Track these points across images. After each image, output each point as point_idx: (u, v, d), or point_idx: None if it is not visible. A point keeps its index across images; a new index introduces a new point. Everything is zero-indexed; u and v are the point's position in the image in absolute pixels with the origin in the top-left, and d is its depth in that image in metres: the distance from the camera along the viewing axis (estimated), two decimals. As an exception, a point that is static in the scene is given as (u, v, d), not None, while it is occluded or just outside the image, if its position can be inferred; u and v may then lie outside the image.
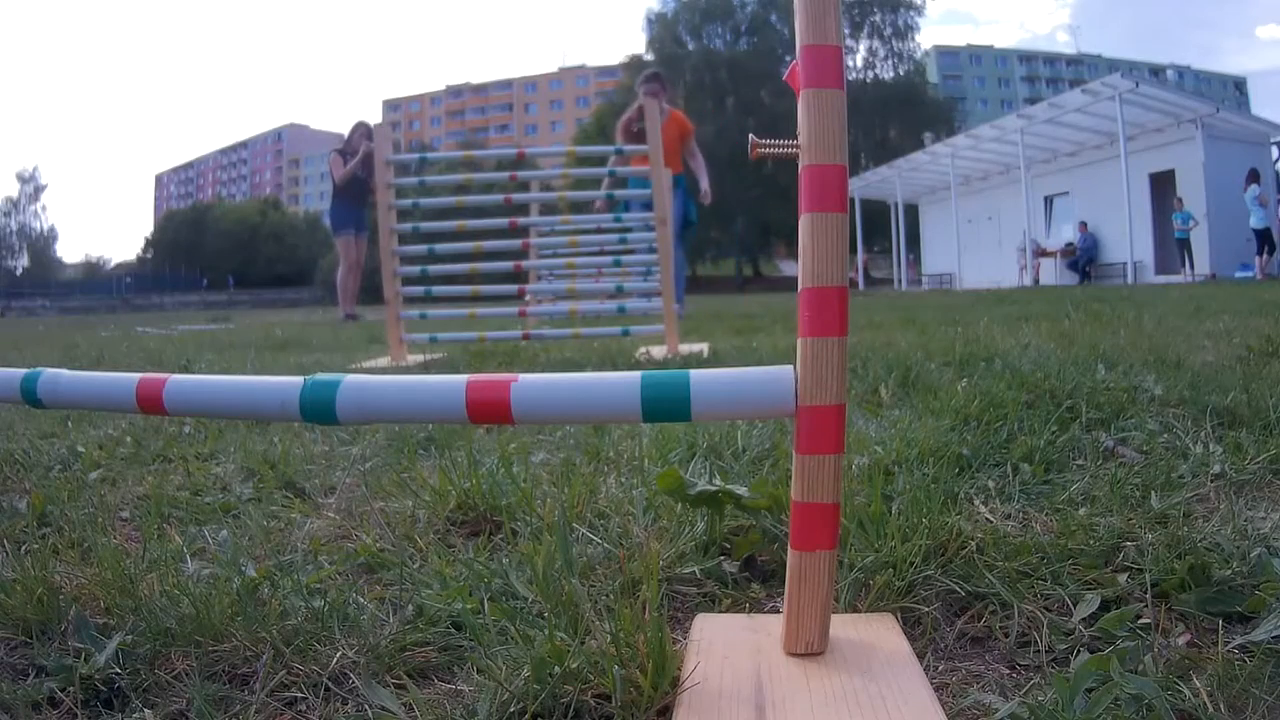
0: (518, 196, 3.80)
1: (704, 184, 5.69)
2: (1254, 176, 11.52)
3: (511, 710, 0.54)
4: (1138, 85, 12.69)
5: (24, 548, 0.86)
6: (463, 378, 0.58)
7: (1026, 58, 60.34)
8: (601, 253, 4.49)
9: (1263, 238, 11.48)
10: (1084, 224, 15.33)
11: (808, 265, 0.54)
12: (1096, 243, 15.08)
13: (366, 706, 0.57)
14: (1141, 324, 2.95)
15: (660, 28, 41.15)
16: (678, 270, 5.18)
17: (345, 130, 7.48)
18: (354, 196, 7.38)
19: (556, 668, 0.56)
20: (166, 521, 0.99)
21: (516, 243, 4.16)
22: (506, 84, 73.01)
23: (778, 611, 0.67)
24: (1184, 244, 12.88)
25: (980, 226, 18.40)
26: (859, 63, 41.35)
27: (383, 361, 2.95)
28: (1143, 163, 13.97)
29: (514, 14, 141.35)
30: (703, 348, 2.90)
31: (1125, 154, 13.16)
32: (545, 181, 5.23)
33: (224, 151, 77.49)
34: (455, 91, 73.90)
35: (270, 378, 0.62)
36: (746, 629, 0.64)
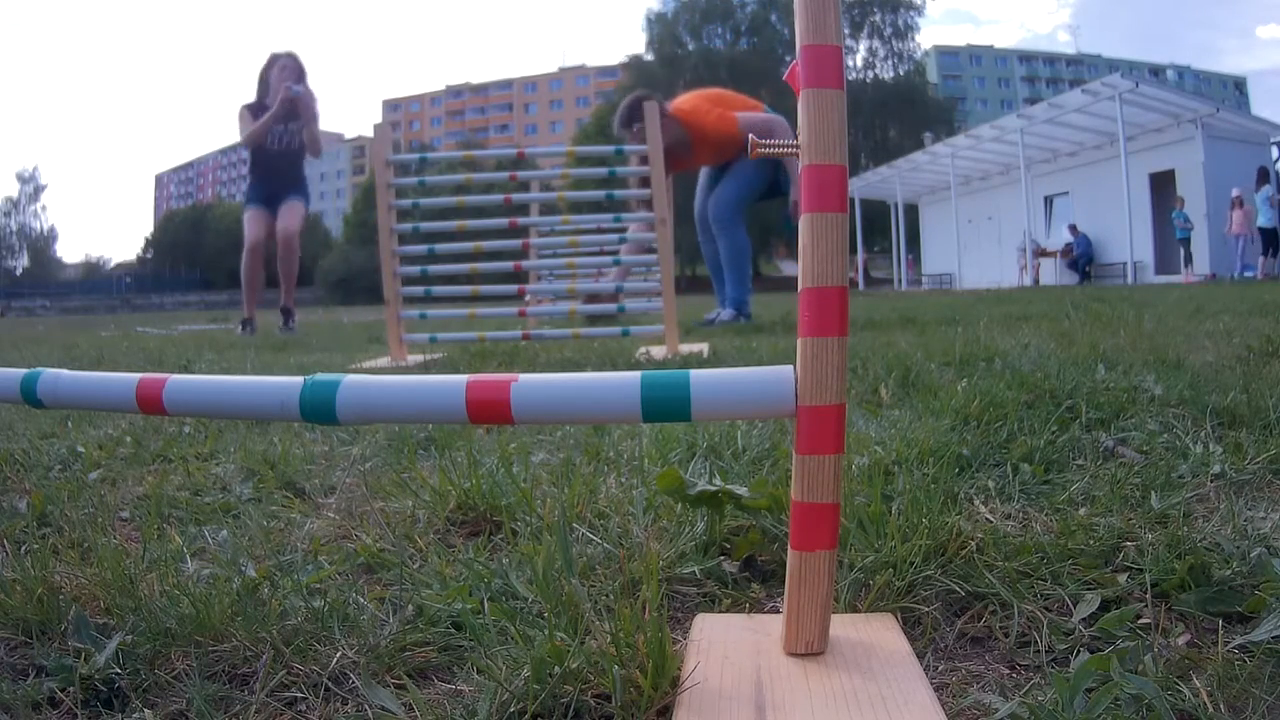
0: (518, 196, 3.80)
1: (793, 193, 4.26)
2: (1264, 176, 11.56)
3: (511, 710, 0.54)
4: (1138, 85, 12.71)
5: (24, 548, 0.86)
6: (463, 378, 0.58)
7: (1026, 58, 60.36)
8: (601, 253, 4.49)
9: (1268, 238, 11.50)
10: (1073, 226, 15.35)
11: (808, 265, 0.54)
12: (1090, 243, 15.09)
13: (366, 706, 0.57)
14: (1141, 324, 2.95)
15: (660, 28, 41.19)
16: (739, 256, 4.48)
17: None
18: (270, 164, 5.36)
19: (556, 668, 0.56)
20: (166, 521, 0.99)
21: (516, 243, 4.16)
22: (506, 84, 73.05)
23: (778, 611, 0.67)
24: (1184, 244, 12.90)
25: (980, 226, 18.41)
26: (859, 63, 41.42)
27: (383, 361, 2.95)
28: (1143, 163, 13.99)
29: (514, 14, 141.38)
30: (703, 348, 2.90)
31: (1125, 154, 13.17)
32: (545, 181, 5.23)
33: (224, 151, 77.45)
34: (455, 91, 73.93)
35: (270, 378, 0.62)
36: (746, 629, 0.64)
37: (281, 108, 5.26)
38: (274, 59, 5.37)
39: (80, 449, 1.38)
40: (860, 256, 21.73)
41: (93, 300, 40.78)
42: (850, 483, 0.96)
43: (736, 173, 4.39)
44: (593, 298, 4.32)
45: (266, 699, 0.58)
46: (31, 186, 56.83)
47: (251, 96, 5.48)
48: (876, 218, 23.71)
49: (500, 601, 0.70)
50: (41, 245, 58.01)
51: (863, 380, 1.76)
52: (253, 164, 5.50)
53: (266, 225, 5.35)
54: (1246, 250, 12.02)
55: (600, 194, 3.41)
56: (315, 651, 0.63)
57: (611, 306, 3.88)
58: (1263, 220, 11.53)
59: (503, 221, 3.25)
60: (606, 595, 0.71)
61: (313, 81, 5.42)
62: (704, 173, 4.63)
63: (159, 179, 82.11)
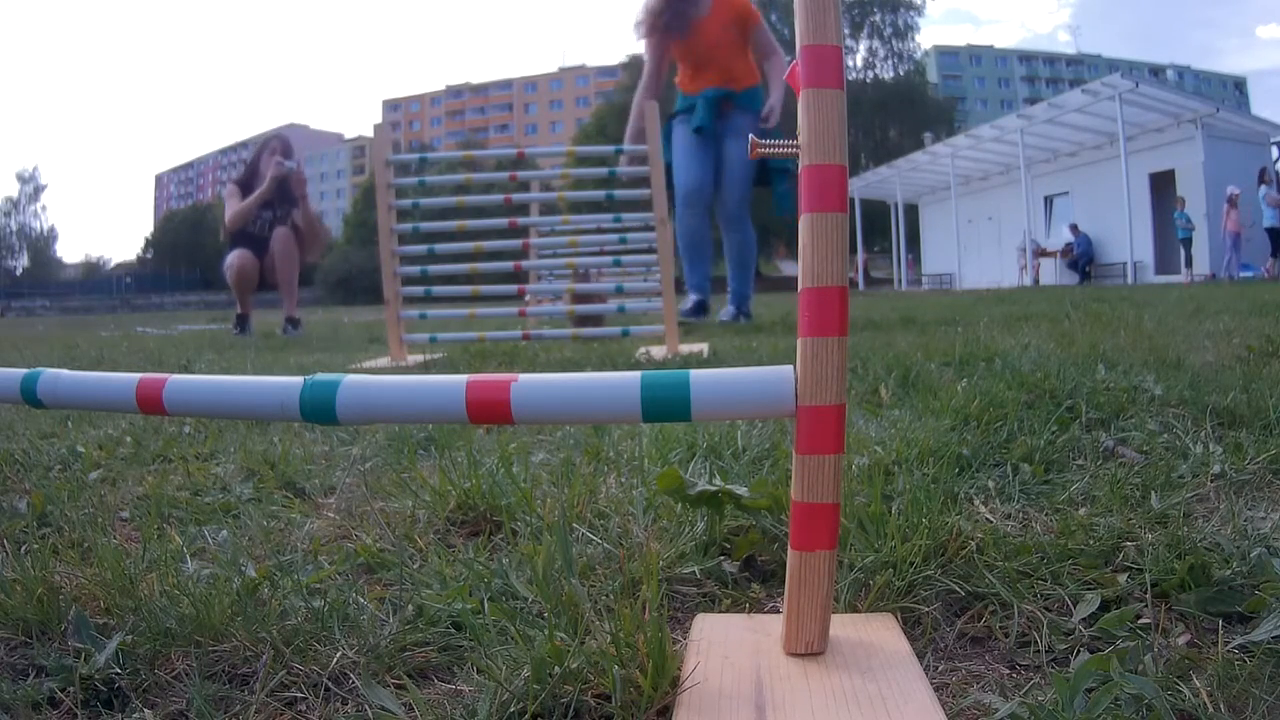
0: (518, 196, 3.80)
1: (772, 97, 4.18)
2: (1264, 177, 11.57)
3: (511, 710, 0.54)
4: (1138, 85, 12.72)
5: (24, 548, 0.86)
6: (463, 378, 0.58)
7: (1026, 58, 60.38)
8: (601, 253, 4.49)
9: (1275, 238, 11.51)
10: (1074, 226, 15.37)
11: (808, 265, 0.54)
12: (1090, 243, 15.10)
13: (366, 706, 0.57)
14: (1141, 324, 2.95)
15: (660, 28, 41.07)
16: (749, 254, 4.52)
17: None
18: (250, 245, 5.09)
19: (556, 668, 0.56)
20: (166, 521, 0.99)
21: (516, 243, 4.17)
22: (506, 84, 73.10)
23: (778, 611, 0.67)
24: (1186, 244, 12.90)
25: (980, 226, 18.42)
26: (859, 63, 41.42)
27: (383, 361, 2.95)
28: (1143, 163, 14.00)
29: (514, 14, 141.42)
30: (703, 348, 2.90)
31: (1125, 154, 13.18)
32: (545, 181, 5.23)
33: (224, 151, 77.45)
34: (455, 91, 73.97)
35: (270, 378, 0.62)
36: (746, 629, 0.64)
37: (272, 185, 4.96)
38: (265, 143, 5.17)
39: (80, 449, 1.38)
40: (860, 256, 21.74)
41: (93, 300, 40.82)
42: (850, 483, 0.96)
43: (735, 163, 4.35)
44: (586, 298, 4.34)
45: (266, 699, 0.58)
46: (31, 186, 56.93)
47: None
48: (876, 218, 23.71)
49: (500, 601, 0.70)
50: (41, 245, 58.08)
51: (863, 380, 1.76)
52: (232, 247, 5.11)
53: (253, 254, 5.08)
54: (1243, 249, 12.03)
55: (600, 194, 3.41)
56: (315, 651, 0.63)
57: (610, 306, 3.89)
58: (1267, 220, 11.53)
59: (503, 221, 3.25)
60: (606, 595, 0.71)
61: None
62: (687, 146, 4.47)
63: (159, 179, 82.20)
